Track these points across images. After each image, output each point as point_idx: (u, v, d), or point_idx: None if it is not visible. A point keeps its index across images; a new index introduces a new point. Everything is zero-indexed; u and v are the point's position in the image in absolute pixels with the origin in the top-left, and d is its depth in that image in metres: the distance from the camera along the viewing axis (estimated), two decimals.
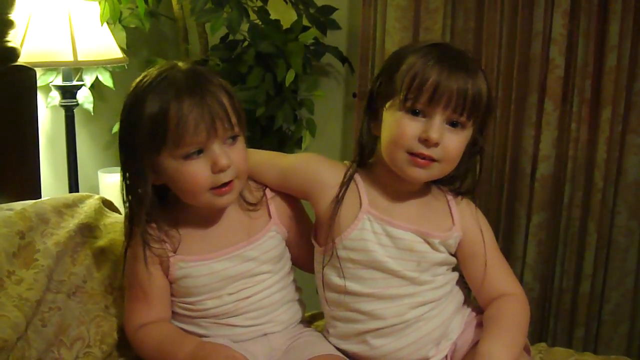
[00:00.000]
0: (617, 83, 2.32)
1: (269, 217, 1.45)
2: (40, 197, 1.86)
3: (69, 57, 2.19)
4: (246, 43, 2.59)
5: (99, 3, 2.34)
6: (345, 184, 1.40)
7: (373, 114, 1.39)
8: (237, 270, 1.39)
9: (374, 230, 1.37)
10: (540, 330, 2.54)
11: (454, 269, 1.46)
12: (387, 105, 1.34)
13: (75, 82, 2.34)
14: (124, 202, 1.36)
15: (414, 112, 1.29)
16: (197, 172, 1.28)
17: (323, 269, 1.41)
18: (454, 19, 2.55)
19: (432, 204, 1.43)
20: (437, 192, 1.45)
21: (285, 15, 2.68)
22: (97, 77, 2.48)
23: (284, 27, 2.65)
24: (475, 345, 1.36)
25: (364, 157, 1.42)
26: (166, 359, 1.35)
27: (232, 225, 1.42)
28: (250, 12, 2.53)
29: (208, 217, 1.40)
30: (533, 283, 2.51)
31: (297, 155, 1.53)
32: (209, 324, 1.41)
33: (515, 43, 2.43)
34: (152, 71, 1.32)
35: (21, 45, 2.10)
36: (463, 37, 2.53)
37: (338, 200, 1.38)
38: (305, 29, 2.67)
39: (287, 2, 2.64)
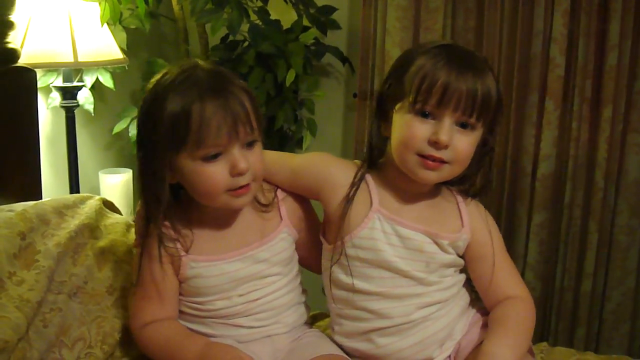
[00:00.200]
0: (618, 82, 2.32)
1: (280, 218, 1.45)
2: (41, 198, 1.85)
3: (70, 58, 2.18)
4: (246, 43, 2.60)
5: (99, 4, 2.34)
6: (356, 184, 1.40)
7: (383, 115, 1.38)
8: (248, 272, 1.39)
9: (384, 230, 1.37)
10: (541, 329, 2.54)
11: (461, 271, 1.46)
12: (396, 107, 1.33)
13: (75, 83, 2.34)
14: (141, 199, 1.35)
15: (424, 114, 1.29)
16: (215, 174, 1.28)
17: (331, 267, 1.41)
18: (454, 18, 2.55)
19: (442, 205, 1.43)
20: (447, 193, 1.45)
21: (285, 16, 2.69)
22: (97, 78, 2.47)
23: (285, 28, 2.66)
24: (479, 345, 1.36)
25: (374, 158, 1.42)
26: (173, 358, 1.35)
27: (244, 226, 1.41)
28: (251, 13, 2.53)
29: (221, 218, 1.39)
30: (534, 282, 2.51)
31: (308, 155, 1.53)
32: (216, 324, 1.40)
33: (516, 42, 2.43)
34: (173, 69, 1.30)
35: (21, 47, 2.10)
36: (463, 37, 2.53)
37: (349, 199, 1.38)
38: (306, 29, 2.68)
39: (287, 3, 2.64)
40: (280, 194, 1.46)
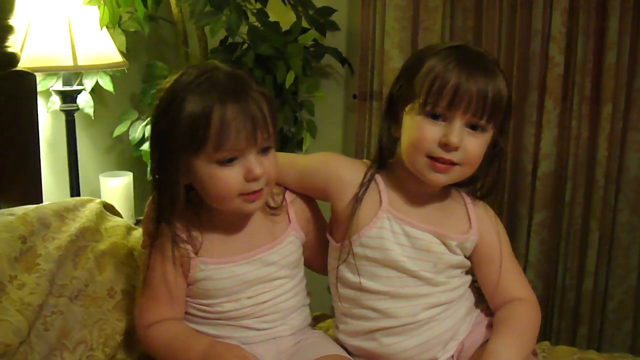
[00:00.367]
0: (617, 80, 2.32)
1: (288, 221, 1.45)
2: (41, 202, 1.85)
3: (69, 62, 2.19)
4: (246, 45, 2.60)
5: (98, 7, 2.34)
6: (366, 184, 1.39)
7: (393, 117, 1.38)
8: (256, 275, 1.39)
9: (393, 229, 1.37)
10: (543, 328, 2.54)
11: (467, 273, 1.46)
12: (407, 109, 1.33)
13: (75, 87, 2.34)
14: (155, 200, 1.34)
15: (434, 116, 1.28)
16: (229, 178, 1.27)
17: (338, 266, 1.41)
18: (453, 18, 2.55)
19: (451, 206, 1.43)
20: (455, 195, 1.45)
21: (284, 17, 2.69)
22: (97, 82, 2.48)
23: (283, 29, 2.65)
24: (483, 345, 1.37)
25: (384, 159, 1.42)
26: (177, 357, 1.36)
27: (253, 229, 1.41)
28: (250, 15, 2.53)
29: (230, 220, 1.39)
30: (536, 281, 2.51)
31: (316, 155, 1.52)
32: (223, 326, 1.40)
33: (515, 41, 2.43)
34: (191, 70, 1.29)
35: (21, 51, 2.10)
36: (462, 37, 2.53)
37: (358, 199, 1.38)
38: (305, 30, 2.68)
39: (286, 4, 2.64)
40: (288, 196, 1.46)
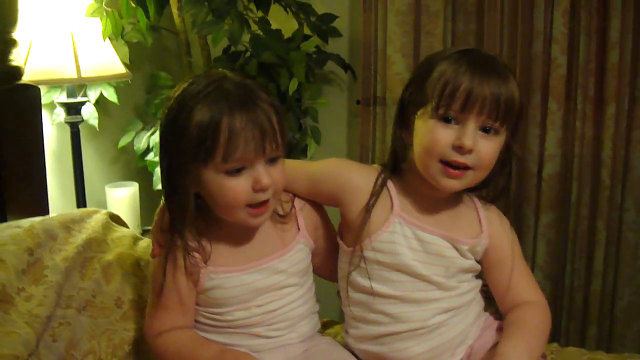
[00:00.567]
0: (620, 80, 2.32)
1: (297, 229, 1.44)
2: (48, 214, 1.87)
3: (73, 74, 2.20)
4: (248, 54, 2.60)
5: (101, 19, 2.35)
6: (377, 192, 1.39)
7: (404, 123, 1.37)
8: (266, 283, 1.39)
9: (404, 234, 1.36)
10: (552, 330, 2.49)
11: (476, 277, 1.46)
12: (418, 114, 1.32)
13: (79, 99, 2.35)
14: (165, 209, 1.34)
15: (447, 120, 1.28)
16: (237, 188, 1.27)
17: (349, 269, 1.41)
18: (454, 21, 2.56)
19: (462, 210, 1.43)
20: (467, 199, 1.45)
21: (286, 25, 2.69)
22: (101, 93, 2.49)
23: (286, 37, 2.66)
24: (492, 348, 1.36)
25: (397, 164, 1.41)
26: None
27: (262, 237, 1.41)
28: (251, 23, 2.54)
29: (240, 229, 1.38)
30: (544, 283, 2.50)
31: (325, 161, 1.50)
32: (233, 334, 1.40)
33: (517, 43, 2.43)
34: (200, 79, 1.29)
35: (25, 64, 2.11)
36: (464, 40, 2.53)
37: (369, 208, 1.38)
38: (307, 37, 2.69)
39: (287, 12, 2.65)
40: (297, 204, 1.46)
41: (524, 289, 1.43)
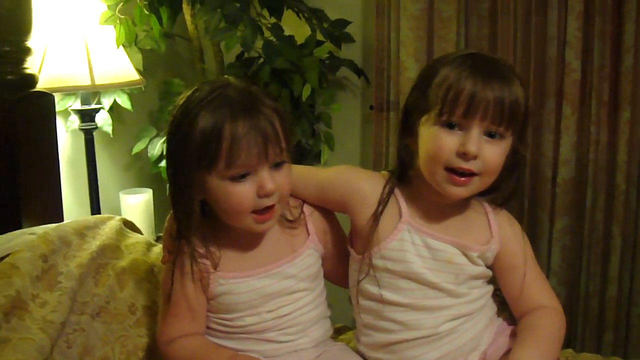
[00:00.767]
0: (635, 84, 2.31)
1: (307, 234, 1.44)
2: (62, 220, 1.87)
3: (87, 81, 2.21)
4: (261, 60, 2.61)
5: (114, 27, 2.37)
6: (384, 200, 1.38)
7: (409, 129, 1.36)
8: (276, 288, 1.39)
9: (413, 242, 1.36)
10: (568, 336, 2.48)
11: (488, 282, 1.44)
12: (422, 120, 1.31)
13: (93, 106, 2.36)
14: (173, 215, 1.35)
15: (450, 126, 1.26)
16: (242, 194, 1.27)
17: (359, 277, 1.40)
18: (467, 26, 2.55)
19: (471, 216, 1.41)
20: (476, 204, 1.43)
21: (299, 31, 2.70)
22: (115, 100, 2.50)
23: (298, 43, 2.67)
24: (506, 354, 1.35)
25: (404, 172, 1.40)
26: None
27: (272, 242, 1.41)
28: (264, 29, 2.54)
29: (248, 235, 1.38)
30: (559, 288, 2.49)
31: (334, 168, 1.50)
32: (245, 340, 1.40)
33: (530, 48, 2.42)
34: (204, 86, 1.29)
35: (39, 72, 2.13)
36: (477, 45, 2.53)
37: (377, 216, 1.37)
38: (320, 43, 2.69)
39: (300, 18, 2.65)
40: (307, 209, 1.46)
41: (538, 293, 1.41)
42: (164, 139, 2.60)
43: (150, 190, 2.55)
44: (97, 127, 2.39)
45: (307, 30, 2.68)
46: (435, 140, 1.28)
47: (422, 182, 1.35)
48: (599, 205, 2.43)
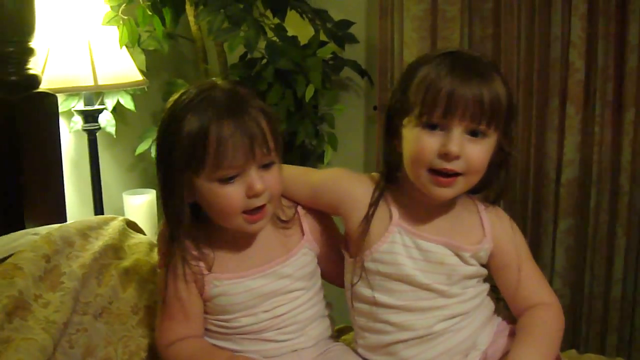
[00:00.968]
0: (639, 84, 2.30)
1: (302, 234, 1.44)
2: (65, 221, 1.87)
3: (90, 82, 2.21)
4: (265, 60, 2.61)
5: (118, 27, 2.37)
6: (374, 203, 1.38)
7: (393, 132, 1.35)
8: (271, 288, 1.39)
9: (404, 244, 1.35)
10: (572, 337, 2.51)
11: (485, 280, 1.44)
12: (405, 122, 1.30)
13: (96, 106, 2.36)
14: (163, 219, 1.36)
15: (432, 127, 1.25)
16: (231, 195, 1.27)
17: (352, 281, 1.40)
18: (471, 27, 2.55)
19: (462, 214, 1.40)
20: (468, 202, 1.42)
21: (302, 31, 2.70)
22: (118, 101, 2.50)
23: (302, 43, 2.66)
24: (506, 354, 1.34)
25: (391, 175, 1.39)
26: None
27: (266, 243, 1.41)
28: (268, 30, 2.54)
29: (242, 236, 1.39)
30: (563, 290, 2.48)
31: (326, 171, 1.51)
32: (243, 340, 1.40)
33: (534, 48, 2.42)
34: (191, 89, 1.30)
35: (42, 72, 2.13)
36: (481, 45, 2.52)
37: (368, 219, 1.36)
38: (323, 44, 2.68)
39: (304, 18, 2.65)
40: (301, 209, 1.46)
41: (534, 290, 1.41)
42: None
43: (154, 191, 2.55)
44: (100, 128, 2.40)
45: (311, 31, 2.67)
46: (417, 143, 1.27)
47: (410, 183, 1.34)
48: (603, 206, 2.42)
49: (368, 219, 1.37)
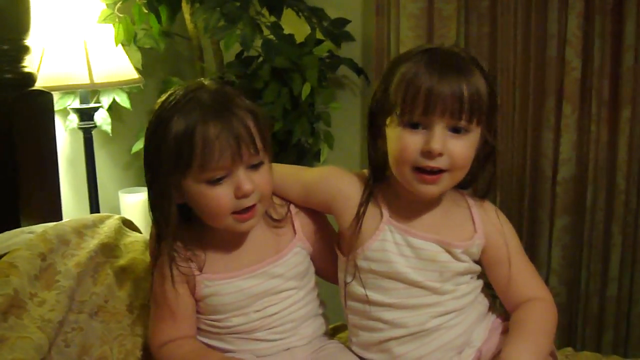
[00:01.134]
0: (636, 82, 2.30)
1: (293, 233, 1.44)
2: (61, 219, 1.86)
3: (85, 80, 2.21)
4: (261, 59, 2.60)
5: (113, 25, 2.36)
6: (364, 203, 1.38)
7: (377, 132, 1.35)
8: (263, 288, 1.39)
9: (395, 241, 1.35)
10: (568, 335, 2.51)
11: (478, 277, 1.44)
12: (387, 122, 1.30)
13: (92, 105, 2.36)
14: (153, 221, 1.35)
15: (413, 125, 1.25)
16: (220, 196, 1.27)
17: (346, 279, 1.40)
18: (467, 25, 2.54)
19: (453, 210, 1.40)
20: (458, 198, 1.42)
21: (298, 29, 2.69)
22: (114, 99, 2.49)
23: (298, 41, 2.66)
24: (500, 351, 1.34)
25: (379, 174, 1.39)
26: None
27: (257, 242, 1.41)
28: (264, 28, 2.54)
29: (233, 236, 1.38)
30: (559, 288, 2.48)
31: (318, 170, 1.51)
32: (235, 340, 1.40)
33: (530, 46, 2.42)
34: (179, 90, 1.30)
35: (38, 70, 2.12)
36: (477, 43, 2.52)
37: (359, 218, 1.36)
38: (319, 42, 2.68)
39: (300, 16, 2.65)
40: (293, 208, 1.46)
41: (526, 285, 1.41)
42: None
43: None
44: (96, 126, 2.39)
45: (307, 29, 2.67)
46: (400, 142, 1.27)
47: (398, 181, 1.34)
48: (599, 204, 2.42)
49: (359, 217, 1.37)
